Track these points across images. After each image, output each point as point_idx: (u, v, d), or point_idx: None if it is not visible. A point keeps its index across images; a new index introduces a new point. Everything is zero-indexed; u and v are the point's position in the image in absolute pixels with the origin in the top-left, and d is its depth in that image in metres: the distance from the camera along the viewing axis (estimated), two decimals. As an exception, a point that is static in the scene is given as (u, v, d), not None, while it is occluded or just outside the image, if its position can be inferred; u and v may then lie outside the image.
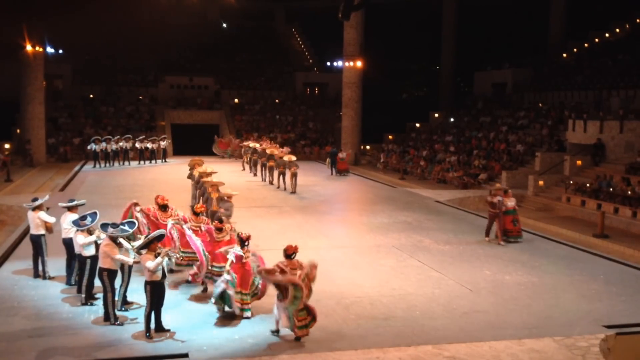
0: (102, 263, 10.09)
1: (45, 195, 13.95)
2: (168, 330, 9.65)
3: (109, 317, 9.95)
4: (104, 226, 10.31)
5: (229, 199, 15.61)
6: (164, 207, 12.80)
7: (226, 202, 15.44)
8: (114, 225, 10.31)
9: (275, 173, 25.39)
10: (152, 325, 9.54)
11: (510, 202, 16.30)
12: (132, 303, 10.72)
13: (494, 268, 13.74)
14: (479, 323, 10.34)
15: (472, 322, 10.39)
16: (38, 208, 12.32)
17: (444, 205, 22.40)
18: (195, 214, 12.36)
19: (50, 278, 12.17)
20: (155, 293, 9.53)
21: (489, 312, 10.91)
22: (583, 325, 10.25)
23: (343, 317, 10.51)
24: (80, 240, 10.75)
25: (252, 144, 29.95)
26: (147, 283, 9.53)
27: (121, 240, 10.27)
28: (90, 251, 10.81)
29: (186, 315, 10.38)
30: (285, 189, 24.45)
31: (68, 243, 11.73)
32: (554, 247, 16.26)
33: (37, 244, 12.21)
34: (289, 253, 9.78)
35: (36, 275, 12.26)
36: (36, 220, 12.21)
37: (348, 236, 16.87)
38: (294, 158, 25.10)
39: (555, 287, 12.47)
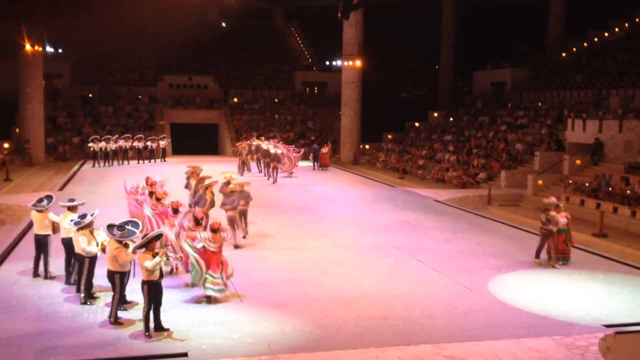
0: (111, 266, 10.05)
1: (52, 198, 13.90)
2: (167, 330, 9.65)
3: (109, 315, 9.99)
4: (110, 228, 10.29)
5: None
6: (150, 193, 14.00)
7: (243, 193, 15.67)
8: (120, 228, 10.30)
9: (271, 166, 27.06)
10: (151, 325, 9.55)
11: (563, 219, 14.19)
12: (131, 302, 10.72)
13: (493, 267, 13.74)
14: (478, 322, 10.35)
15: (471, 321, 10.40)
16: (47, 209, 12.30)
17: (443, 205, 22.41)
18: (157, 199, 13.51)
19: (52, 278, 12.16)
20: (153, 292, 9.55)
21: (488, 311, 10.91)
22: (582, 324, 10.26)
23: (342, 316, 10.52)
24: (83, 244, 10.74)
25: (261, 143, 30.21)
26: (144, 282, 9.54)
27: (127, 241, 10.26)
28: (91, 252, 10.82)
29: (185, 315, 10.37)
30: (268, 178, 26.85)
31: (67, 243, 11.71)
32: (553, 246, 16.24)
33: (43, 244, 12.17)
34: (214, 228, 11.15)
35: (36, 274, 12.25)
36: (44, 221, 12.19)
37: (347, 235, 16.87)
38: (279, 151, 27.17)
39: (554, 286, 12.48)
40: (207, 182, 16.09)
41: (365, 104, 39.20)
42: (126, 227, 10.44)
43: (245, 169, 29.80)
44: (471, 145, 33.53)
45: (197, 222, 11.88)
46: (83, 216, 11.03)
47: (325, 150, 32.71)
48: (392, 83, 57.21)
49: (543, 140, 30.49)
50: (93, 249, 10.77)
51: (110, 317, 9.96)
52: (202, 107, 43.47)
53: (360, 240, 16.34)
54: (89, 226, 10.90)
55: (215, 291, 10.90)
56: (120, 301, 10.19)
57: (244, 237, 15.81)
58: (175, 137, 39.51)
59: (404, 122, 44.16)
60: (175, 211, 12.93)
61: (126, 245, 10.16)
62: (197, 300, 11.01)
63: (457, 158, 31.97)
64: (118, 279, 10.03)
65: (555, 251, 14.01)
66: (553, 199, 14.67)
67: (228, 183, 16.80)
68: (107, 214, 15.17)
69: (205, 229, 11.94)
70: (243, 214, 15.81)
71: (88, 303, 10.73)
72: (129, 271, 10.39)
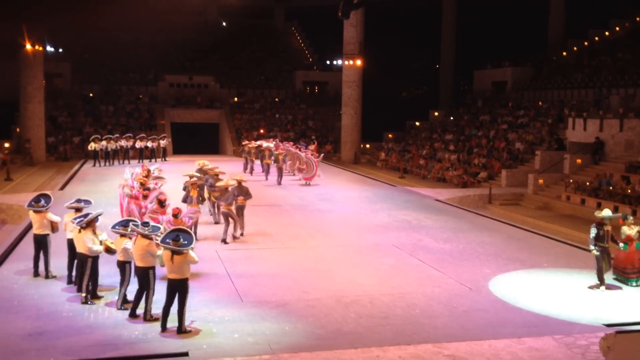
0: (144, 262, 10.04)
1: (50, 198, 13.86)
2: (157, 319, 9.86)
3: (144, 313, 10.13)
4: (135, 225, 10.43)
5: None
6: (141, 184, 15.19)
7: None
8: (145, 224, 10.41)
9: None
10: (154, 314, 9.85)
11: (631, 230, 12.52)
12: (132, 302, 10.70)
13: (494, 266, 13.74)
14: (478, 321, 10.35)
15: (472, 320, 10.40)
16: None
17: (443, 204, 22.41)
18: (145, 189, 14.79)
19: (53, 277, 12.16)
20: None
21: (489, 310, 10.92)
22: (583, 323, 10.26)
23: (343, 315, 10.52)
24: (89, 243, 10.75)
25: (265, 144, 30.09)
26: (187, 280, 9.73)
27: (154, 236, 10.32)
28: (97, 251, 10.87)
29: (186, 314, 10.34)
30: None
31: (72, 243, 11.71)
32: (554, 245, 16.26)
33: (43, 243, 12.16)
34: (174, 214, 12.38)
35: (36, 274, 12.26)
36: (43, 221, 12.18)
37: (348, 235, 16.87)
38: (272, 145, 27.79)
39: (554, 285, 12.48)
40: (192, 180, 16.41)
41: (366, 103, 39.20)
42: (150, 223, 10.57)
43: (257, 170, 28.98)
44: (472, 144, 33.52)
45: (161, 204, 12.98)
46: (85, 215, 11.04)
47: (311, 147, 32.79)
48: (392, 82, 57.16)
49: (544, 140, 30.48)
50: (98, 248, 10.79)
51: (145, 315, 10.04)
52: (202, 107, 43.47)
53: (360, 239, 16.34)
54: (91, 225, 10.90)
55: None
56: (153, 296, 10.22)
57: (241, 234, 15.87)
58: (176, 136, 39.52)
59: (404, 121, 44.16)
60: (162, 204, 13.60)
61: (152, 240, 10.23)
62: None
63: (458, 157, 31.96)
64: (152, 275, 10.08)
65: (603, 272, 12.17)
66: (608, 211, 12.74)
67: (202, 170, 18.56)
68: (109, 214, 15.20)
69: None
70: (240, 210, 15.83)
71: (89, 303, 10.73)
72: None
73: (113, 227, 10.69)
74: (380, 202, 22.13)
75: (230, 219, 15.47)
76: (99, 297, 10.92)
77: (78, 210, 11.98)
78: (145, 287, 10.11)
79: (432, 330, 9.92)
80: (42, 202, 12.28)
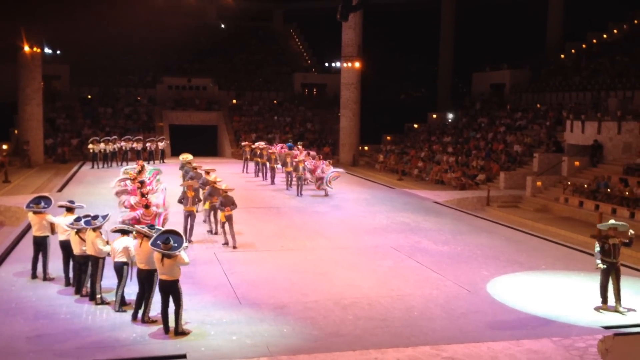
0: (151, 265, 10.05)
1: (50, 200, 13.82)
2: (155, 321, 9.91)
3: (143, 315, 10.27)
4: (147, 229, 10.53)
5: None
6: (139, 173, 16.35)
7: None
8: (151, 227, 10.52)
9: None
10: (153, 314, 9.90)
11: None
12: (130, 304, 10.68)
13: (492, 269, 13.75)
14: (477, 324, 10.35)
15: (470, 322, 10.41)
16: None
17: (442, 206, 22.41)
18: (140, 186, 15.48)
19: (51, 279, 12.15)
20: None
21: (487, 312, 10.92)
22: (581, 325, 10.27)
23: (341, 317, 10.52)
24: (101, 245, 10.80)
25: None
26: (177, 282, 9.74)
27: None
28: (106, 252, 10.93)
29: (184, 316, 10.32)
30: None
31: (66, 245, 11.71)
32: (552, 247, 16.28)
33: (42, 245, 12.17)
34: (144, 204, 13.45)
35: (34, 276, 12.24)
36: (43, 222, 12.18)
37: (346, 237, 16.87)
38: (266, 144, 28.26)
39: (553, 287, 12.48)
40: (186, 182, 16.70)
41: (364, 106, 39.21)
42: (155, 227, 10.69)
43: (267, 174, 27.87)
44: (470, 146, 33.54)
45: (143, 196, 14.03)
46: (95, 217, 11.06)
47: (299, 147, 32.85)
48: (391, 84, 57.24)
49: (542, 142, 30.51)
50: (108, 248, 10.84)
51: (143, 317, 10.08)
52: (201, 109, 43.47)
53: (359, 241, 16.34)
54: (100, 228, 10.97)
55: None
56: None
57: (234, 247, 15.22)
58: (174, 138, 39.49)
59: (402, 123, 44.17)
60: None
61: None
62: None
63: (456, 159, 31.98)
64: (157, 277, 10.13)
65: (607, 290, 11.17)
66: (612, 222, 11.50)
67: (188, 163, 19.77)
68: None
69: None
70: (228, 220, 15.20)
71: (102, 303, 10.78)
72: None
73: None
74: (378, 204, 22.13)
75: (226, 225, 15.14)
76: (96, 299, 10.91)
77: (69, 210, 12.00)
78: (147, 289, 10.13)
79: (431, 332, 9.92)
80: (42, 203, 12.29)
